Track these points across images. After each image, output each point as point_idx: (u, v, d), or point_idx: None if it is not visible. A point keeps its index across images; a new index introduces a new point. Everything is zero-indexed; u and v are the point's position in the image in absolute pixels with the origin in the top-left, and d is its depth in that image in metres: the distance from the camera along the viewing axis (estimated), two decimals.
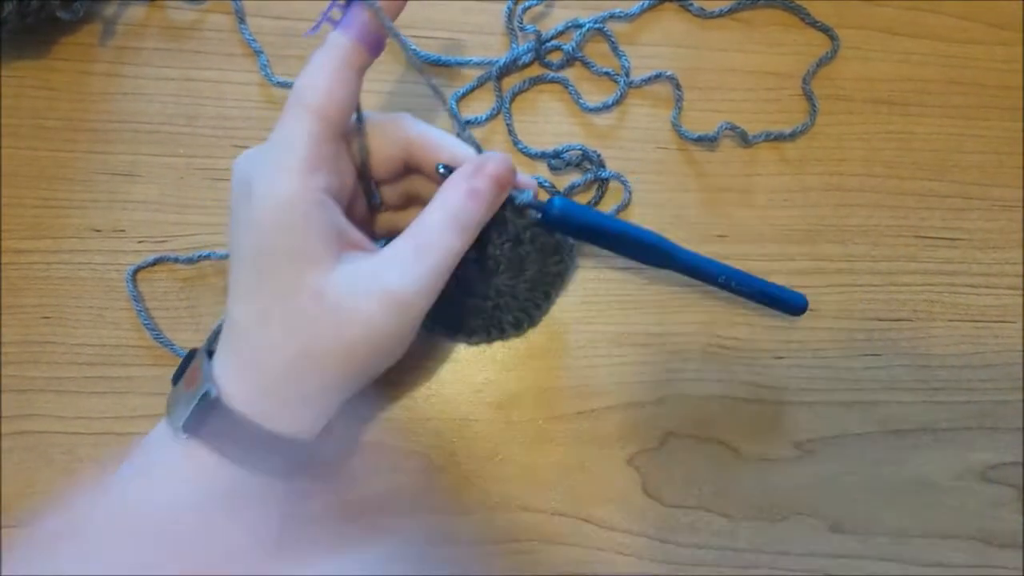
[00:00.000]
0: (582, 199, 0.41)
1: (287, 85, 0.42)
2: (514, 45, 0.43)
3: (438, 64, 0.43)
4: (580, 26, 0.43)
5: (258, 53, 0.42)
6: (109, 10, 0.43)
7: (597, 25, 0.43)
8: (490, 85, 0.43)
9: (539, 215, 0.34)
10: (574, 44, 0.43)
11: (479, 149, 0.33)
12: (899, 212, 0.42)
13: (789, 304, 0.38)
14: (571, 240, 0.37)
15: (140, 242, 0.39)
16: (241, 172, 0.29)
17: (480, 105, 0.43)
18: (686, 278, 0.40)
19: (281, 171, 0.28)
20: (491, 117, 0.42)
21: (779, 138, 0.43)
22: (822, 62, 0.44)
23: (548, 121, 0.43)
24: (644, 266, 0.40)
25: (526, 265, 0.36)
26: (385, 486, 0.36)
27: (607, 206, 0.41)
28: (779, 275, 0.41)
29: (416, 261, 0.29)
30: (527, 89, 0.43)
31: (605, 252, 0.40)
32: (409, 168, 0.34)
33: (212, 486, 0.29)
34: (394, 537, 0.36)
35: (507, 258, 0.35)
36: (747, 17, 0.45)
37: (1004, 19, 0.46)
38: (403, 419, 0.38)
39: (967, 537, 0.38)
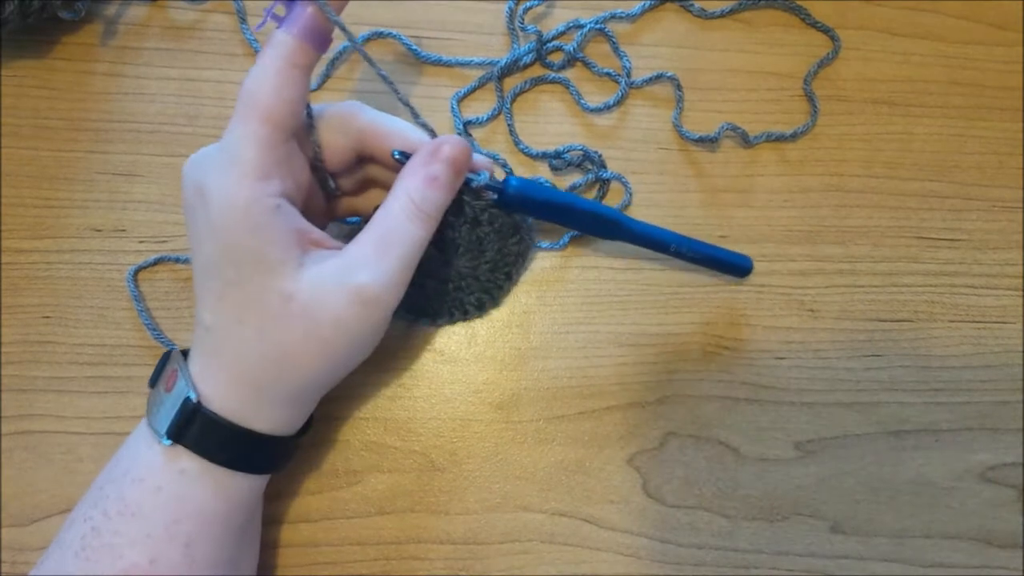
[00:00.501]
0: None
1: None
2: (515, 45, 0.43)
3: (439, 64, 0.43)
4: (581, 26, 0.43)
5: (259, 53, 0.42)
6: (110, 10, 0.43)
7: (598, 25, 0.43)
8: (491, 85, 0.43)
9: (495, 196, 0.34)
10: (575, 44, 0.43)
11: (433, 133, 0.32)
12: (900, 213, 0.42)
13: (736, 266, 0.39)
14: (529, 219, 0.37)
15: (141, 242, 0.39)
16: (192, 177, 0.29)
17: (481, 105, 0.43)
18: (687, 277, 0.40)
19: (233, 180, 0.27)
20: (492, 117, 0.42)
21: (780, 139, 0.43)
22: (823, 63, 0.44)
23: (549, 121, 0.43)
24: (644, 266, 0.40)
25: (485, 246, 0.35)
26: (385, 486, 0.36)
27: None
28: (779, 275, 0.41)
29: (382, 255, 0.29)
30: (528, 89, 0.43)
31: (605, 247, 0.40)
32: (363, 157, 0.33)
33: (196, 490, 0.29)
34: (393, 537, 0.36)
35: (466, 240, 0.35)
36: (748, 18, 0.45)
37: (1004, 19, 0.46)
38: (403, 419, 0.38)
39: (967, 538, 0.38)
